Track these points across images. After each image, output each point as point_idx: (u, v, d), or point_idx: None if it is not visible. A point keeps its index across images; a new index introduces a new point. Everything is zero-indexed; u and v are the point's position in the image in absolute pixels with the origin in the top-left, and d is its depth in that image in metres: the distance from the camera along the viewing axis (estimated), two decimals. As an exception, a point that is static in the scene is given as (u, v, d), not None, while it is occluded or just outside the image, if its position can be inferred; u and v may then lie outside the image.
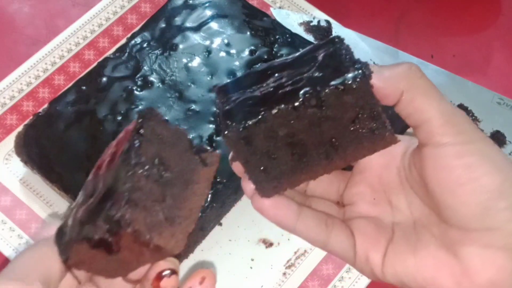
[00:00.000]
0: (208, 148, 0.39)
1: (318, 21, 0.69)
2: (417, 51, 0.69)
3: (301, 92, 0.32)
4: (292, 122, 0.32)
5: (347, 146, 0.33)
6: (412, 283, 0.34)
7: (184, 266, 0.60)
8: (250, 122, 0.32)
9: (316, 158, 0.34)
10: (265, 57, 0.64)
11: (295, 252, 0.60)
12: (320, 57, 0.33)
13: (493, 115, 0.65)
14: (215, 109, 0.60)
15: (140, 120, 0.36)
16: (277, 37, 0.66)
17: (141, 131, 0.35)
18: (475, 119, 0.65)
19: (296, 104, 0.32)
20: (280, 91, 0.32)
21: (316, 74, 0.32)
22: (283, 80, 0.33)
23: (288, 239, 0.61)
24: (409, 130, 0.54)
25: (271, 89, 0.33)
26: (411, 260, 0.34)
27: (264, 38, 0.65)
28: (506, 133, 0.65)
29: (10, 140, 0.62)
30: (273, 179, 0.34)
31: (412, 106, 0.32)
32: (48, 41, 0.68)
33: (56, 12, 0.72)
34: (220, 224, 0.62)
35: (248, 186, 0.35)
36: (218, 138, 0.59)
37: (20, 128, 0.62)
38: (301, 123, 0.32)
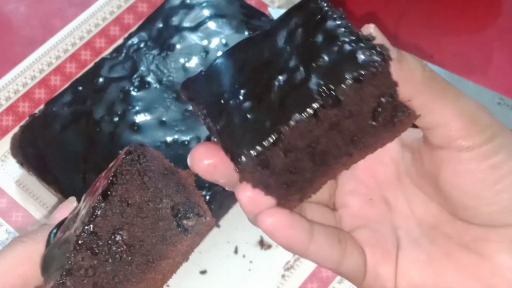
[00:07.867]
0: (201, 213, 0.32)
1: (317, 21, 0.69)
2: (417, 51, 0.68)
3: (313, 90, 0.26)
4: (313, 130, 0.27)
5: (367, 140, 0.29)
6: None
7: (182, 268, 0.59)
8: (265, 144, 0.26)
9: (337, 159, 0.29)
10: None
11: (294, 254, 0.60)
12: (299, 31, 0.28)
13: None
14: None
15: (119, 168, 0.30)
16: (275, 37, 0.65)
17: (112, 191, 0.30)
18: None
19: (315, 109, 0.26)
20: (277, 89, 0.27)
21: (310, 57, 0.27)
22: (270, 71, 0.27)
23: (287, 241, 0.60)
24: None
25: (262, 87, 0.27)
26: (428, 268, 0.31)
27: (262, 38, 0.65)
28: (506, 133, 0.64)
29: (6, 142, 0.62)
30: (297, 191, 0.30)
31: (425, 108, 0.29)
32: (44, 41, 0.68)
33: (52, 12, 0.72)
34: (218, 226, 0.61)
35: (256, 201, 0.29)
36: (215, 140, 0.58)
37: (16, 129, 0.62)
38: (321, 128, 0.27)
